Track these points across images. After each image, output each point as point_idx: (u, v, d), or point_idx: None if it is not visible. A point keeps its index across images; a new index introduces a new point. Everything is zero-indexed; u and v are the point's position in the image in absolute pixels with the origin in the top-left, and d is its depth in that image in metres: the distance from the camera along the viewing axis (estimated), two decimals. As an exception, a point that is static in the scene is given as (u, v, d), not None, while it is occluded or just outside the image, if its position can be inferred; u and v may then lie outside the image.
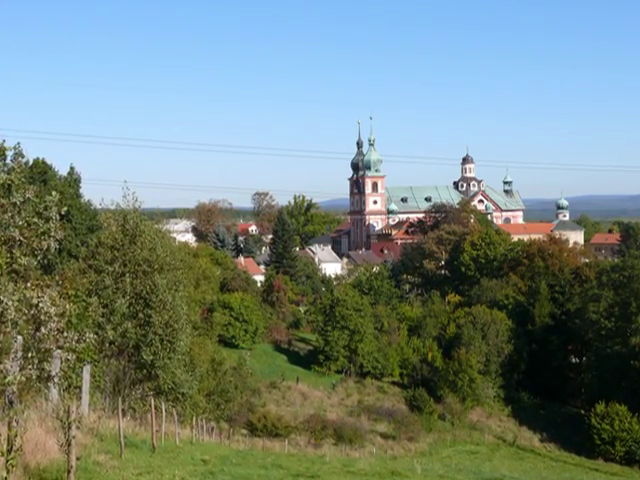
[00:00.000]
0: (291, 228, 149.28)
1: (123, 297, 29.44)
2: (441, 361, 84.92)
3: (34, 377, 16.37)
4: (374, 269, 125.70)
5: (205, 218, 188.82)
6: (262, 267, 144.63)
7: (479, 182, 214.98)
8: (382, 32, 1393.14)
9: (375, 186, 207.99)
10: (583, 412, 77.89)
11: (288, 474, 22.03)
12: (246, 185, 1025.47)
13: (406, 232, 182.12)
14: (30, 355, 16.40)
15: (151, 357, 29.15)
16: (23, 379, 15.66)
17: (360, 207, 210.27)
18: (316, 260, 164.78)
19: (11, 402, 14.85)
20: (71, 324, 20.29)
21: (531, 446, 72.70)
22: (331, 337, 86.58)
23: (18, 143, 18.74)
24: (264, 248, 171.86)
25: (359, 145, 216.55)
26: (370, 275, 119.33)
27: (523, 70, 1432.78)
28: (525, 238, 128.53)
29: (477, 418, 79.24)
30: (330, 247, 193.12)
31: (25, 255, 17.45)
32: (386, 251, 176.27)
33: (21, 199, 17.27)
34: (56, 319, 16.92)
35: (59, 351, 16.98)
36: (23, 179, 17.45)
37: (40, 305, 16.63)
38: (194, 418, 33.42)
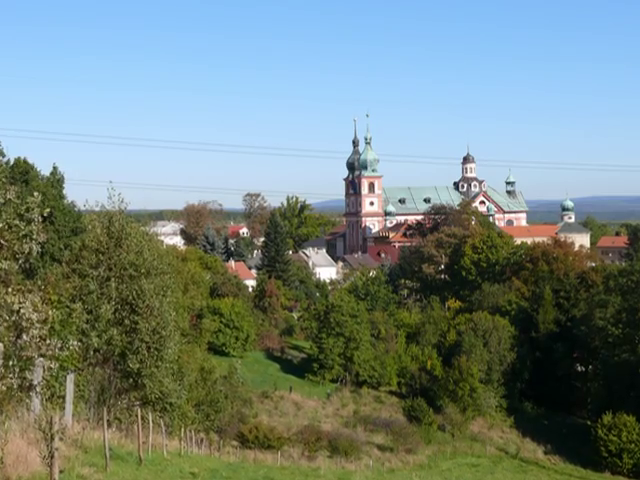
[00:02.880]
0: (284, 231, 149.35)
1: (108, 303, 29.44)
2: (441, 370, 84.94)
3: (15, 386, 16.39)
4: (371, 273, 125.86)
5: (194, 220, 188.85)
6: (254, 271, 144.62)
7: (480, 182, 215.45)
8: (379, 25, 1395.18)
9: (372, 187, 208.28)
10: (589, 423, 77.91)
11: (281, 487, 22.08)
12: (237, 186, 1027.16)
13: (404, 235, 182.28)
14: (11, 363, 16.42)
15: (137, 365, 29.14)
16: (4, 388, 15.69)
17: (356, 209, 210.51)
18: (310, 264, 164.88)
19: (-9, 412, 14.87)
20: (54, 331, 20.31)
21: (535, 458, 72.72)
22: (326, 344, 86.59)
23: (-1, 142, 18.79)
24: (256, 251, 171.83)
25: (355, 144, 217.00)
26: (366, 280, 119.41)
27: (526, 65, 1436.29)
28: (529, 241, 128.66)
29: (478, 429, 79.29)
30: (325, 250, 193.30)
31: (6, 259, 17.48)
32: (383, 255, 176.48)
33: (1, 200, 17.31)
34: (38, 326, 16.95)
35: (41, 359, 17.00)
36: (4, 179, 17.49)
37: (22, 311, 16.67)
38: (182, 429, 33.45)
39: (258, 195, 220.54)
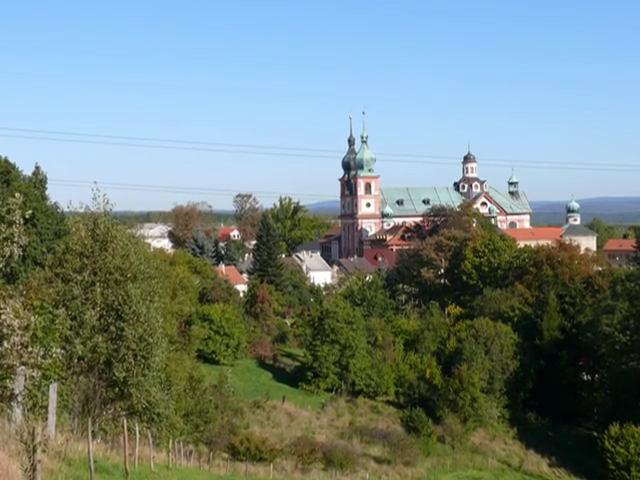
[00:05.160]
0: (276, 233, 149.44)
1: (93, 308, 29.42)
2: (440, 378, 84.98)
3: (-4, 396, 16.37)
4: (367, 278, 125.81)
5: (183, 222, 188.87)
6: (245, 276, 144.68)
7: (482, 183, 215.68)
8: (376, 18, 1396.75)
9: (368, 187, 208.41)
10: (595, 434, 78.05)
11: (273, 502, 22.13)
12: (227, 186, 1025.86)
13: (402, 238, 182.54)
14: (-9, 372, 16.40)
15: (123, 374, 29.13)
16: (-16, 398, 15.66)
17: (352, 210, 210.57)
18: (304, 268, 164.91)
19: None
20: (36, 338, 20.32)
21: (539, 471, 72.82)
22: (320, 352, 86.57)
23: (-22, 140, 18.82)
24: (247, 255, 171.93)
25: (351, 142, 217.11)
26: (363, 285, 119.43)
27: (529, 61, 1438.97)
28: (532, 244, 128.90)
29: (480, 441, 79.31)
30: (319, 254, 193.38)
31: (-14, 262, 17.47)
32: (380, 258, 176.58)
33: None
34: (20, 332, 16.96)
35: (23, 367, 17.00)
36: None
37: (2, 317, 16.66)
38: (170, 441, 33.43)
39: (249, 196, 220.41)
